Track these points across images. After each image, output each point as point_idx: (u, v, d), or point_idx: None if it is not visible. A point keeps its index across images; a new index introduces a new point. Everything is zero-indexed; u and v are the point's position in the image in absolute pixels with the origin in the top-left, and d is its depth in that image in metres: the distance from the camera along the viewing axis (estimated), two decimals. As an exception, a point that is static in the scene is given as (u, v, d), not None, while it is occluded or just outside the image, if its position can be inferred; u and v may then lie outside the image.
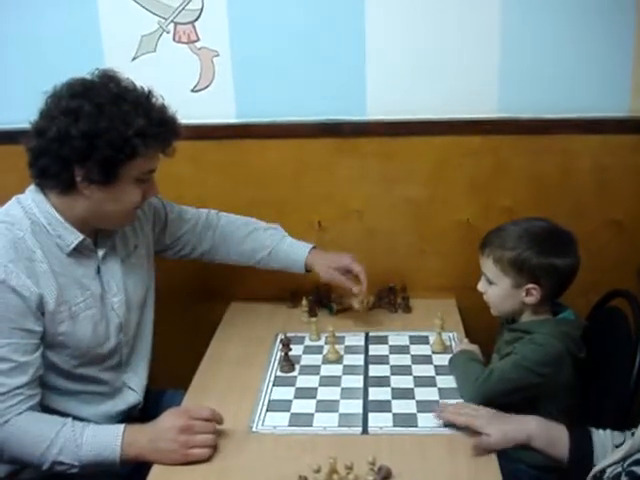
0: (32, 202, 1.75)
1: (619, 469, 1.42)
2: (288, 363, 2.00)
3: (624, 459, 1.42)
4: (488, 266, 1.94)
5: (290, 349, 2.00)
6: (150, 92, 1.75)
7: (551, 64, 2.23)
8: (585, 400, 1.95)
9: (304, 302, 2.30)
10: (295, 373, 1.99)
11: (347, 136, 2.31)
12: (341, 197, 2.38)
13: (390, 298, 2.34)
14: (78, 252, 1.79)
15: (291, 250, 2.20)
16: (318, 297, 2.36)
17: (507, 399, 1.83)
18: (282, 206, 2.38)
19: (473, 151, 2.30)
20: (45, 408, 1.73)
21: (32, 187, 1.78)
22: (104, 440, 1.65)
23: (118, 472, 1.68)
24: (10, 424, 1.63)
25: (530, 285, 1.88)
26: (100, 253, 1.84)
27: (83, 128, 1.63)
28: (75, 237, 1.76)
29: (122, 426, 1.67)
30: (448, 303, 2.36)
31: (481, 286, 1.99)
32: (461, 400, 1.83)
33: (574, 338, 1.89)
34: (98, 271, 1.84)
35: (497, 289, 1.94)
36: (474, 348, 2.02)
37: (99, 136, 1.63)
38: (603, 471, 1.47)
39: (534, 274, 1.87)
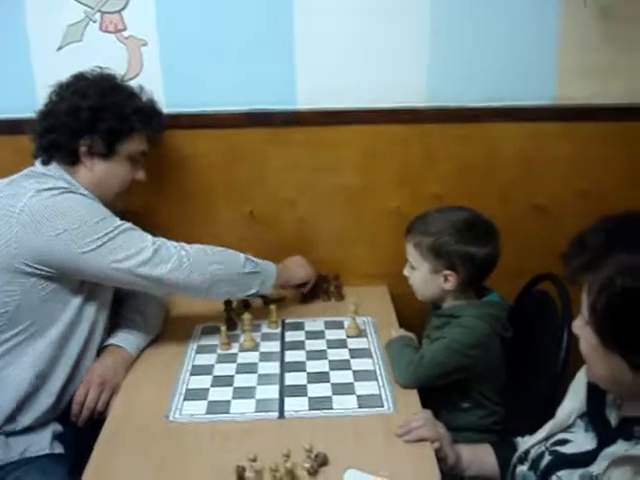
0: (47, 171, 1.93)
1: (542, 448, 1.46)
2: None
3: (546, 439, 1.47)
4: (410, 251, 1.99)
5: (233, 309, 2.15)
6: (141, 87, 2.07)
7: (478, 53, 2.27)
8: (516, 381, 2.00)
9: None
10: (212, 362, 1.99)
11: (277, 125, 2.30)
12: (273, 187, 2.38)
13: (323, 286, 2.36)
14: None
15: None
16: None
17: (440, 382, 1.87)
18: (213, 197, 2.38)
19: (402, 139, 2.33)
20: None
21: (36, 164, 1.96)
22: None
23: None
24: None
25: (447, 271, 1.93)
26: None
27: (90, 103, 1.91)
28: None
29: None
30: (380, 290, 2.39)
31: (406, 271, 2.04)
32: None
33: (500, 319, 1.94)
34: None
35: (418, 274, 1.99)
36: (411, 335, 2.04)
37: (104, 110, 1.92)
38: (527, 451, 1.51)
39: (451, 260, 1.92)
